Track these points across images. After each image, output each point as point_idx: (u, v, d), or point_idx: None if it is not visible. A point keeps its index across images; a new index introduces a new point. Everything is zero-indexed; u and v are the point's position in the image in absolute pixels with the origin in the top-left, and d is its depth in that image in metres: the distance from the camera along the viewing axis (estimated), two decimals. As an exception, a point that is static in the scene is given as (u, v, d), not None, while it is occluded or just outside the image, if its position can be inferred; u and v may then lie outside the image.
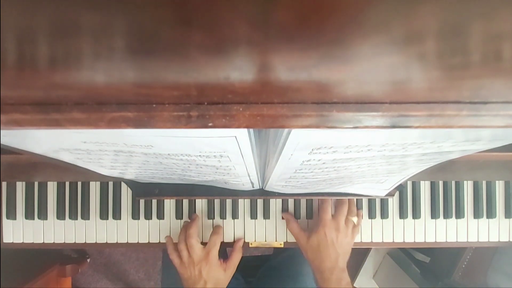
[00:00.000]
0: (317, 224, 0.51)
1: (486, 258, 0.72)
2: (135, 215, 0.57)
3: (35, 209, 0.57)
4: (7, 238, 0.57)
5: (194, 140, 0.24)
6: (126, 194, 0.58)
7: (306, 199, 0.57)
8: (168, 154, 0.29)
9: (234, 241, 0.57)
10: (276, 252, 0.74)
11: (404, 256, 1.04)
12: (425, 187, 0.58)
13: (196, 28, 0.13)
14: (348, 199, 0.54)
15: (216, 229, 0.54)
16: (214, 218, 0.57)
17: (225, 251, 0.73)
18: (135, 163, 0.34)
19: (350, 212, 0.52)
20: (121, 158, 0.32)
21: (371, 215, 0.58)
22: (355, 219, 0.53)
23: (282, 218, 0.57)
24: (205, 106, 0.18)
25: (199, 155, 0.28)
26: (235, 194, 0.52)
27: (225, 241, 0.57)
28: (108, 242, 0.57)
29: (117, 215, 0.57)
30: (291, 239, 0.57)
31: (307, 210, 0.58)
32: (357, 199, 0.57)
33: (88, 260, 1.21)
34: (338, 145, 0.26)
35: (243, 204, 0.58)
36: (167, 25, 0.13)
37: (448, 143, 0.27)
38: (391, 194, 0.52)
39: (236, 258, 0.54)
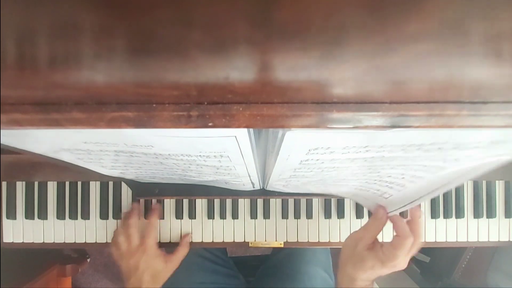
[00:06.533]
0: (390, 255, 0.42)
1: (486, 258, 0.72)
2: (135, 215, 0.57)
3: (35, 209, 0.57)
4: (7, 238, 0.57)
5: (195, 140, 0.24)
6: (126, 194, 0.58)
7: (306, 199, 0.57)
8: (168, 154, 0.29)
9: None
10: (274, 251, 0.74)
11: (404, 256, 1.04)
12: (425, 187, 0.58)
13: (196, 28, 0.13)
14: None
15: (150, 219, 0.54)
16: (214, 218, 0.57)
17: (225, 250, 0.73)
18: (136, 163, 0.34)
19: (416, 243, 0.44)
20: (121, 158, 0.32)
21: (371, 215, 0.58)
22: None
23: (282, 217, 0.57)
24: (205, 106, 0.18)
25: (200, 155, 0.28)
26: (235, 194, 0.52)
27: (225, 241, 0.57)
28: (108, 242, 0.57)
29: (117, 215, 0.57)
30: (291, 239, 0.57)
31: (307, 210, 0.58)
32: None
33: (88, 260, 1.21)
34: (335, 145, 0.26)
35: (243, 204, 0.58)
36: (167, 25, 0.13)
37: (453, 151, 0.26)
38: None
39: (181, 252, 0.54)
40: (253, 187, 0.48)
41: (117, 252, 0.51)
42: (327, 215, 0.58)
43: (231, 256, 0.77)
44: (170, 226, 0.57)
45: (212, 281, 0.64)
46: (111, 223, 0.57)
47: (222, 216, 0.57)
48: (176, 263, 0.53)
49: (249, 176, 0.38)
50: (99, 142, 0.27)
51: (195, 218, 0.57)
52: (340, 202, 0.58)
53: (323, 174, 0.36)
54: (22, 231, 0.57)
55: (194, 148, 0.26)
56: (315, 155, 0.28)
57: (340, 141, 0.25)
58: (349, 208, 0.58)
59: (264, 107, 0.18)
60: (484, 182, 0.58)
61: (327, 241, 0.58)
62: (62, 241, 0.57)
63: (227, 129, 0.20)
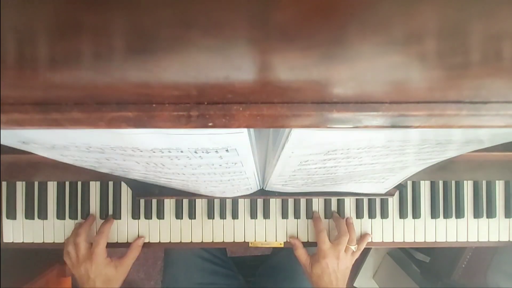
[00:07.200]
0: (318, 254, 0.53)
1: (486, 258, 0.72)
2: (135, 215, 0.57)
3: (35, 209, 0.57)
4: (7, 238, 0.57)
5: (197, 136, 0.24)
6: (126, 194, 0.57)
7: (306, 199, 0.57)
8: (152, 151, 0.27)
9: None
10: (274, 251, 0.74)
11: (404, 256, 1.04)
12: (425, 187, 0.58)
13: (196, 28, 0.13)
14: (348, 228, 0.55)
15: (100, 228, 0.54)
16: (214, 218, 0.57)
17: (224, 251, 0.73)
18: (121, 170, 0.34)
19: (350, 240, 0.54)
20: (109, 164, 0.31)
21: (371, 215, 0.58)
22: (354, 247, 0.54)
23: (282, 217, 0.57)
24: (205, 106, 0.18)
25: (194, 151, 0.27)
26: (235, 194, 0.52)
27: (225, 241, 0.57)
28: (108, 241, 0.57)
29: (117, 215, 0.57)
30: (291, 239, 0.57)
31: (307, 210, 0.58)
32: (357, 199, 0.57)
33: (88, 260, 1.21)
34: (338, 145, 0.26)
35: (243, 204, 0.58)
36: (167, 25, 0.13)
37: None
38: (391, 193, 0.52)
39: (131, 255, 0.54)
40: (251, 190, 0.48)
41: (69, 262, 0.52)
42: (327, 215, 0.58)
43: (231, 256, 0.77)
44: (170, 227, 0.57)
45: (211, 282, 0.64)
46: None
47: (222, 216, 0.57)
48: (127, 266, 0.54)
49: (255, 174, 0.38)
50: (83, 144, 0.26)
51: (195, 218, 0.57)
52: (340, 202, 0.58)
53: (322, 173, 0.36)
54: (22, 231, 0.57)
55: (188, 143, 0.25)
56: (316, 155, 0.28)
57: (344, 141, 0.25)
58: (349, 208, 0.58)
59: (264, 107, 0.18)
60: (484, 182, 0.58)
61: (327, 241, 0.58)
62: (62, 241, 0.57)
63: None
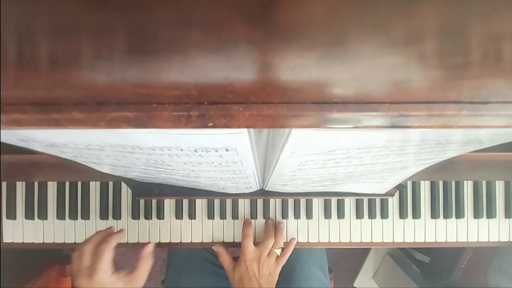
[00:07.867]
0: (240, 258, 0.52)
1: (486, 258, 0.72)
2: (135, 215, 0.57)
3: (35, 209, 0.57)
4: (7, 238, 0.57)
5: (196, 136, 0.24)
6: (126, 194, 0.58)
7: (306, 199, 0.57)
8: (152, 149, 0.27)
9: (233, 241, 0.57)
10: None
11: (404, 256, 1.04)
12: (425, 187, 0.58)
13: (196, 28, 0.13)
14: (275, 231, 0.54)
15: (106, 239, 0.45)
16: (214, 218, 0.57)
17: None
18: (121, 165, 0.34)
19: (275, 244, 0.53)
20: (108, 160, 0.32)
21: (371, 215, 0.58)
22: (278, 251, 0.53)
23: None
24: (205, 106, 0.18)
25: (194, 150, 0.27)
26: (235, 194, 0.52)
27: (225, 241, 0.57)
28: (108, 242, 0.57)
29: (117, 215, 0.57)
30: (291, 239, 0.57)
31: (307, 210, 0.58)
32: (357, 199, 0.57)
33: (88, 260, 1.21)
34: (338, 145, 0.26)
35: (243, 204, 0.58)
36: (167, 26, 0.13)
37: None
38: (391, 193, 0.52)
39: (143, 267, 0.47)
40: (251, 189, 0.48)
41: (73, 270, 0.44)
42: (327, 215, 0.58)
43: (234, 257, 0.77)
44: (170, 227, 0.57)
45: (212, 284, 0.64)
46: (111, 223, 0.57)
47: (222, 216, 0.57)
48: (142, 278, 0.47)
49: (254, 174, 0.38)
50: (85, 142, 0.26)
51: (195, 218, 0.57)
52: (340, 202, 0.58)
53: (322, 173, 0.36)
54: (22, 231, 0.57)
55: (188, 142, 0.26)
56: (316, 155, 0.28)
57: (344, 141, 0.25)
58: (349, 208, 0.58)
59: (264, 107, 0.18)
60: (484, 182, 0.58)
61: (327, 241, 0.58)
62: (62, 241, 0.57)
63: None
